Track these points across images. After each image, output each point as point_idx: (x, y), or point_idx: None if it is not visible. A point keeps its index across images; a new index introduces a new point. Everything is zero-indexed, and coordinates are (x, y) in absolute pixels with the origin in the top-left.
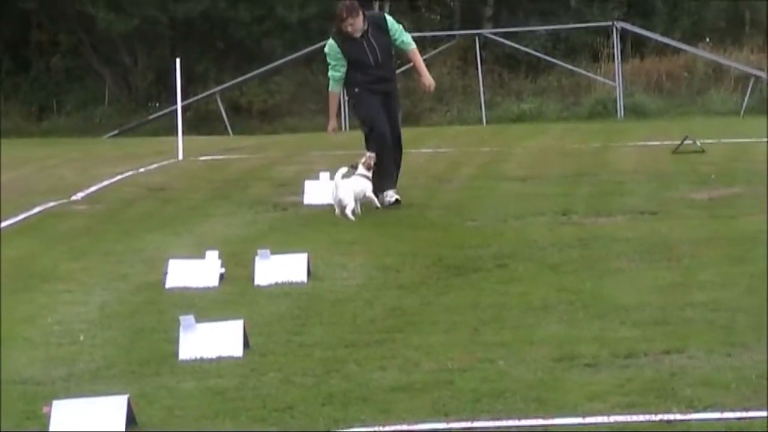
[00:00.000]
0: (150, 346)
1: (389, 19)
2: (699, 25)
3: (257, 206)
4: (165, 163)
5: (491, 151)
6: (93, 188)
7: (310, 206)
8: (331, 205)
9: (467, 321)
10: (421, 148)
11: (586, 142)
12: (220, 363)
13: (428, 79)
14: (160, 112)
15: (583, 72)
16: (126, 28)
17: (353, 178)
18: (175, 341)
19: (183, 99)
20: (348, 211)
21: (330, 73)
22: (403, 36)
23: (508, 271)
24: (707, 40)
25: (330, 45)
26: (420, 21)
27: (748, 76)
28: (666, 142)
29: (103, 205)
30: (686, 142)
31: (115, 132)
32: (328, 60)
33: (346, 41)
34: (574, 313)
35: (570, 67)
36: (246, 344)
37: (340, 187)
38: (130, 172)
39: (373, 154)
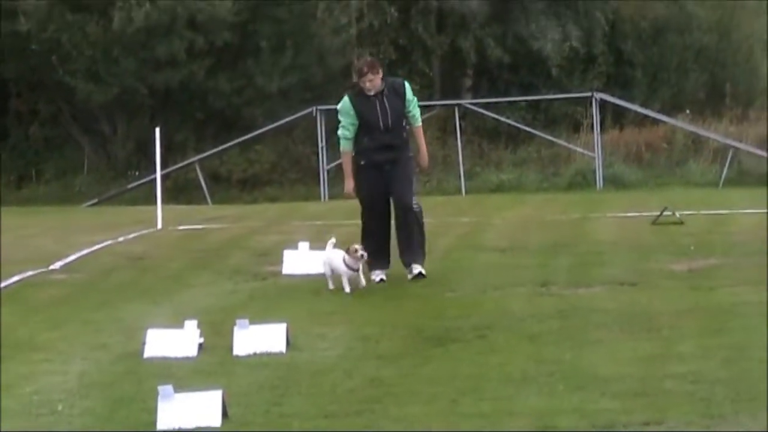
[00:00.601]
0: (128, 415)
1: (408, 87)
2: (678, 96)
3: (236, 276)
4: (144, 232)
5: (470, 221)
6: (72, 257)
7: (289, 276)
8: (310, 275)
9: (446, 392)
10: None
11: (565, 213)
12: None
13: (424, 159)
14: (140, 181)
15: (563, 143)
16: (105, 98)
17: (337, 253)
18: (154, 411)
19: (162, 168)
20: (344, 280)
21: (340, 132)
22: (415, 110)
23: (487, 342)
24: (687, 111)
25: (344, 101)
26: None
27: (727, 148)
28: (645, 213)
29: (81, 274)
30: (665, 213)
31: (95, 201)
32: (340, 117)
33: (360, 98)
34: (554, 385)
35: (549, 137)
36: (225, 414)
37: (333, 258)
38: (109, 241)
39: (357, 247)
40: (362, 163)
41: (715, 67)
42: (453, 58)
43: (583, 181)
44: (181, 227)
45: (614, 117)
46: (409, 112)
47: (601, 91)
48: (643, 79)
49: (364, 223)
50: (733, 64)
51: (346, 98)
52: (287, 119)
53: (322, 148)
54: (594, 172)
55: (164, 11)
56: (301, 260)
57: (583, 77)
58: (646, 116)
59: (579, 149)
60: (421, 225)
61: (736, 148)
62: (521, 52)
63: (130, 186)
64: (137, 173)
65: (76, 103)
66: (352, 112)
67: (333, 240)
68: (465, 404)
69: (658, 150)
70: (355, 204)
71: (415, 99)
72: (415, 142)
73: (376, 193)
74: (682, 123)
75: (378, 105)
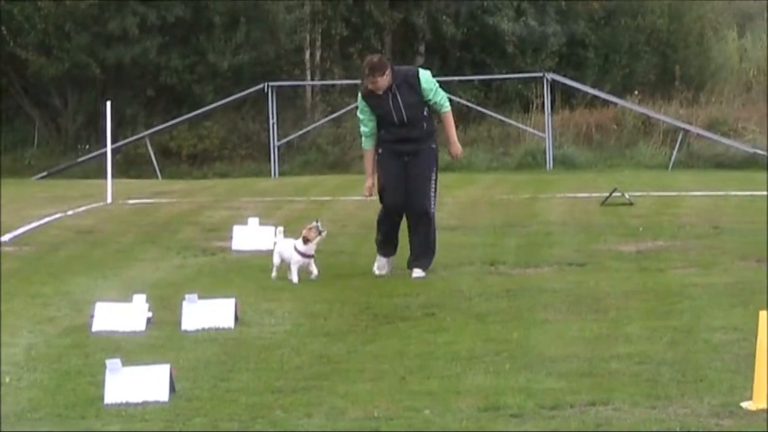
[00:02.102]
0: (76, 389)
1: (423, 75)
2: (630, 78)
3: (185, 251)
4: (94, 206)
5: None
6: (21, 230)
7: (238, 252)
8: (259, 251)
9: (394, 369)
10: (351, 195)
11: (515, 193)
12: (145, 407)
13: (456, 146)
14: (90, 155)
15: (513, 123)
16: (56, 72)
17: (288, 242)
18: (101, 385)
19: (112, 142)
20: (293, 269)
21: (361, 129)
22: (437, 96)
23: (435, 321)
24: (635, 92)
25: (359, 100)
26: (352, 68)
27: (677, 130)
28: (595, 194)
29: (30, 248)
30: (615, 194)
31: (44, 174)
32: (358, 114)
33: (371, 96)
34: (501, 364)
35: (500, 117)
36: (172, 389)
37: (283, 249)
38: (59, 215)
39: (316, 224)
40: (380, 151)
41: (667, 50)
42: (405, 36)
43: (533, 162)
44: (131, 201)
45: (565, 98)
46: (430, 100)
47: (553, 71)
48: (595, 61)
49: (379, 213)
50: (684, 47)
51: (359, 96)
52: (238, 95)
53: (273, 124)
54: (544, 152)
55: None
56: (251, 236)
57: (536, 57)
58: (596, 97)
59: (530, 129)
60: (434, 231)
61: (686, 131)
62: (474, 29)
63: (80, 159)
64: (87, 147)
65: (27, 77)
66: (367, 109)
67: (281, 229)
68: (412, 382)
69: (609, 131)
70: (305, 180)
71: (436, 86)
72: (444, 129)
73: (395, 184)
74: (632, 105)
75: (390, 101)
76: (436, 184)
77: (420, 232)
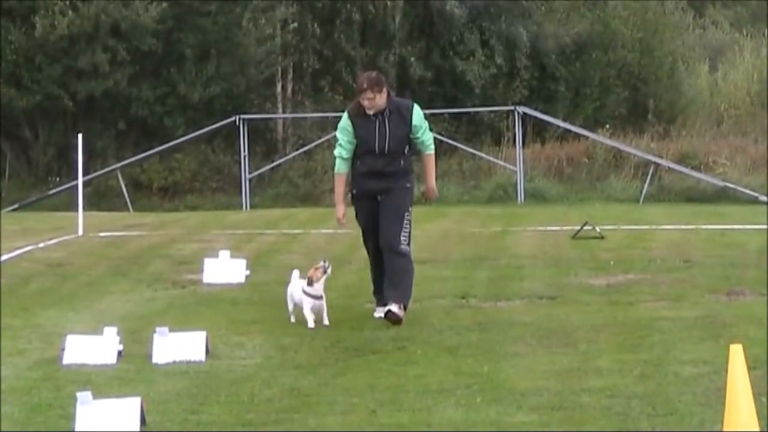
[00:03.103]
0: (47, 422)
1: (417, 110)
2: (601, 111)
3: (156, 284)
4: (65, 238)
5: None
6: None
7: (209, 285)
8: (230, 284)
9: (365, 403)
10: (321, 228)
11: (485, 226)
12: None
13: (433, 191)
14: (61, 187)
15: (485, 156)
16: (27, 104)
17: (298, 284)
18: (72, 418)
19: (84, 174)
20: (306, 311)
21: (336, 150)
22: (425, 136)
23: (406, 354)
24: (606, 126)
25: (343, 118)
26: (323, 101)
27: (648, 163)
28: (566, 228)
29: (1, 280)
30: (586, 227)
31: (15, 206)
32: (337, 134)
33: (358, 116)
34: (472, 397)
35: (471, 150)
36: (143, 422)
37: (294, 290)
38: (30, 247)
39: (323, 264)
40: (354, 192)
41: (638, 83)
42: (378, 70)
43: (504, 195)
44: (102, 234)
45: (536, 131)
46: (417, 138)
47: (524, 104)
48: (566, 94)
49: (367, 251)
50: (655, 80)
51: (345, 115)
52: (209, 128)
53: (244, 157)
54: (515, 185)
55: (87, 19)
56: (222, 269)
57: (506, 90)
58: (567, 131)
59: (501, 162)
60: (410, 270)
61: (657, 164)
62: (444, 68)
63: (51, 192)
64: (58, 179)
65: None
66: (350, 129)
67: (296, 271)
68: (383, 415)
69: (580, 165)
70: (276, 213)
71: (426, 124)
72: (423, 170)
73: (372, 225)
74: (603, 138)
75: (377, 126)
76: (409, 223)
77: (393, 269)
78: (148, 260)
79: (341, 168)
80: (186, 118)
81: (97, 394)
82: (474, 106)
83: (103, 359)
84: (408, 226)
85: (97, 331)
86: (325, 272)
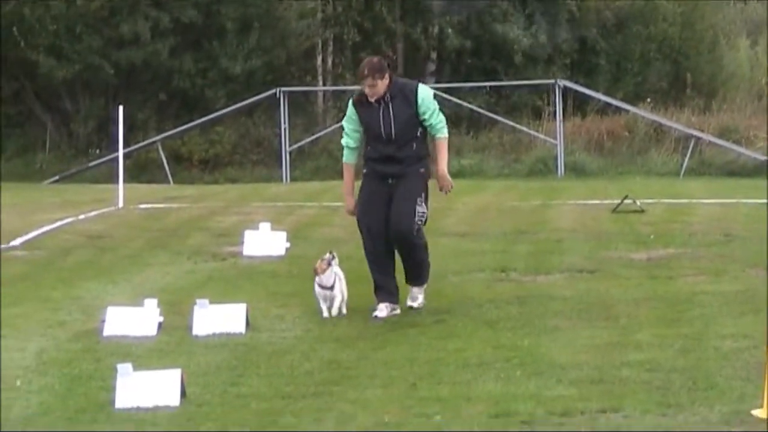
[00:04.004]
0: (86, 393)
1: (422, 90)
2: (641, 85)
3: (196, 256)
4: (104, 210)
5: (431, 206)
6: (32, 234)
7: (249, 257)
8: (270, 257)
9: (404, 376)
10: None
11: (525, 200)
12: (156, 412)
13: (446, 179)
14: (101, 160)
15: (525, 129)
16: (67, 75)
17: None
18: (112, 389)
19: (124, 147)
20: (335, 305)
21: (343, 140)
22: (433, 118)
23: (445, 327)
24: (648, 100)
25: (348, 107)
26: None
27: (689, 137)
28: (605, 202)
29: (41, 252)
30: (626, 201)
31: (56, 178)
32: (344, 124)
33: (363, 104)
34: (511, 371)
35: (511, 123)
36: (183, 394)
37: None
38: (70, 219)
39: (328, 256)
40: (365, 171)
41: (679, 57)
42: (416, 43)
43: (544, 168)
44: (142, 206)
45: (576, 105)
46: (425, 120)
47: (565, 78)
48: (607, 68)
49: (364, 246)
50: (696, 54)
51: (349, 103)
52: (250, 100)
53: (284, 129)
54: (555, 159)
55: None
56: (262, 241)
57: (547, 64)
58: (608, 105)
59: (541, 136)
60: (426, 260)
61: (698, 138)
62: (484, 38)
63: (91, 164)
64: (99, 152)
65: (39, 80)
66: (354, 117)
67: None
68: (423, 388)
69: (620, 139)
70: (316, 186)
71: (435, 106)
72: (436, 156)
73: (375, 209)
74: (644, 112)
75: (381, 111)
76: (424, 209)
77: (408, 257)
78: (188, 233)
79: (348, 158)
80: (227, 91)
81: (138, 366)
82: (515, 78)
83: (143, 331)
84: (423, 214)
85: (136, 303)
86: (329, 264)
